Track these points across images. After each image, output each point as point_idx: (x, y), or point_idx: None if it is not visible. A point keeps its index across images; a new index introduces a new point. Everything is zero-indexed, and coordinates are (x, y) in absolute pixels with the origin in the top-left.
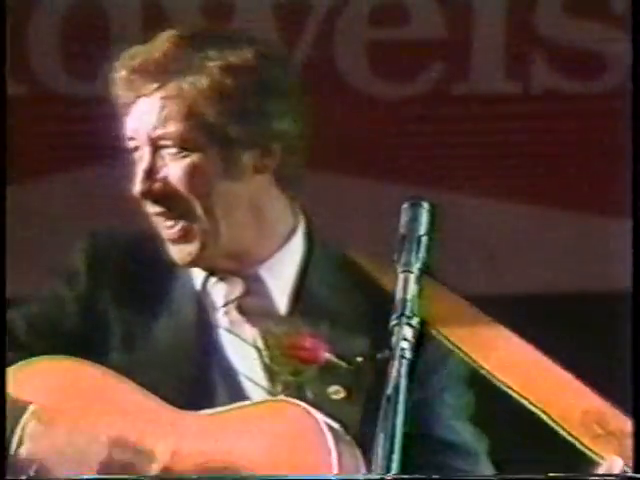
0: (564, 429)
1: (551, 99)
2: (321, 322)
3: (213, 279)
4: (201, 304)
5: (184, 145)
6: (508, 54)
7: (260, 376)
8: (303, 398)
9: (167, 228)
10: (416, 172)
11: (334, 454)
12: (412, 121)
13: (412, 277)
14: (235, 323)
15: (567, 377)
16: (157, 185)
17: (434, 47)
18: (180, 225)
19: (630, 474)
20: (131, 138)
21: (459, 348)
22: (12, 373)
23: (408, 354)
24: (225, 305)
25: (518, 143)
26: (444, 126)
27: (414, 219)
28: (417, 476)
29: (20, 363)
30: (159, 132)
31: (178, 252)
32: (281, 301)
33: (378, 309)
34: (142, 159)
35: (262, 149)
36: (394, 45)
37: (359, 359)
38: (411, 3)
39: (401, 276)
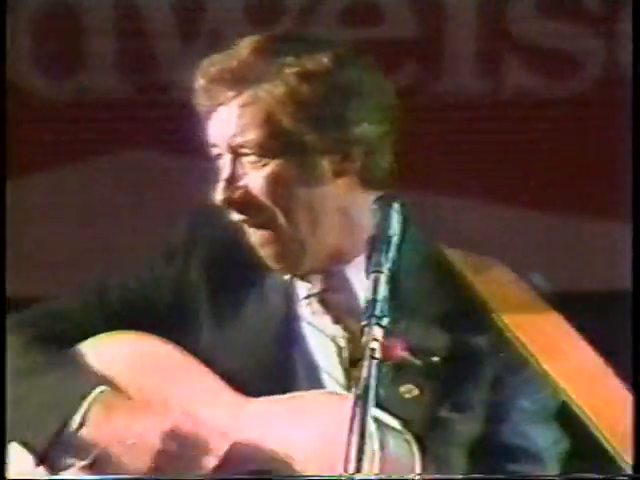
0: (609, 442)
1: (523, 98)
2: (401, 320)
3: (373, 276)
4: (289, 294)
5: (263, 153)
6: (480, 53)
7: (337, 370)
8: (375, 395)
9: (251, 234)
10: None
11: (376, 450)
12: None
13: (382, 277)
14: (317, 317)
15: (623, 391)
16: (238, 193)
17: (407, 46)
18: (263, 232)
19: (630, 474)
20: (213, 146)
21: (528, 350)
22: (93, 342)
23: (378, 354)
24: (307, 297)
25: (492, 143)
26: (419, 125)
27: (384, 219)
28: (384, 477)
29: (101, 335)
30: (238, 140)
31: (266, 257)
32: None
33: (461, 309)
34: (224, 167)
35: (342, 154)
36: (367, 44)
37: (435, 359)
38: (383, 2)
39: (371, 276)
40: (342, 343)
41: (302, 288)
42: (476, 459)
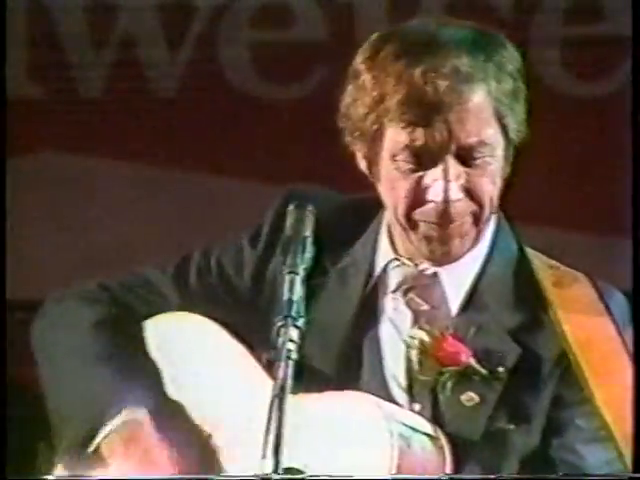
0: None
1: None
2: (474, 325)
3: (396, 262)
4: (374, 284)
5: (485, 152)
6: None
7: (402, 374)
8: (434, 400)
9: (434, 230)
10: (302, 174)
11: (394, 451)
12: (297, 123)
13: (298, 278)
14: (398, 314)
15: None
16: (456, 193)
17: (317, 49)
18: (451, 230)
19: (630, 474)
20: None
21: (582, 370)
22: (155, 321)
23: (294, 355)
24: (395, 291)
25: None
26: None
27: (299, 221)
28: (330, 476)
29: (160, 315)
30: (468, 141)
31: (427, 250)
32: (454, 302)
33: (535, 322)
34: (444, 168)
35: (513, 146)
36: (279, 46)
37: (501, 369)
38: (295, 4)
39: (287, 277)
40: (414, 346)
41: (393, 280)
42: (525, 471)
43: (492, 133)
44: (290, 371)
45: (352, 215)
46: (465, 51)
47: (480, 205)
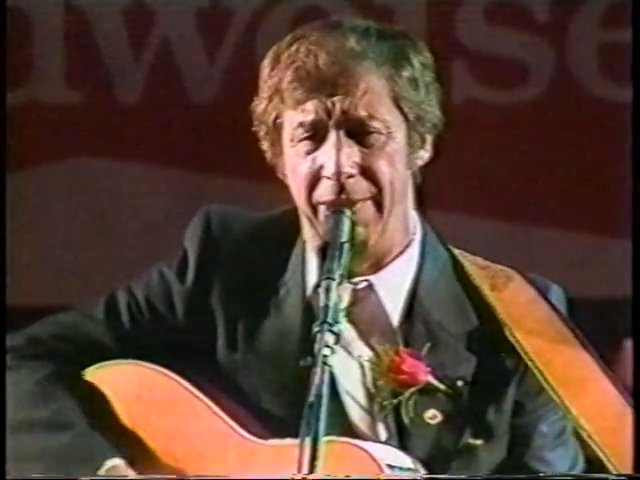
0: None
1: (472, 108)
2: (426, 340)
3: (325, 283)
4: (310, 308)
5: (378, 129)
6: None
7: (360, 393)
8: (399, 421)
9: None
10: None
11: None
12: None
13: (334, 284)
14: (343, 333)
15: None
16: (348, 167)
17: None
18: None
19: (630, 474)
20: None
21: (549, 383)
22: (99, 373)
23: (330, 361)
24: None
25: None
26: None
27: (336, 226)
28: (342, 477)
29: (107, 364)
30: (352, 113)
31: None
32: (394, 312)
33: (485, 328)
34: (334, 141)
35: (421, 138)
36: None
37: (460, 383)
38: (329, 6)
39: (323, 283)
40: (365, 363)
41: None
42: None
43: (385, 112)
44: (326, 377)
45: (277, 233)
46: (356, 33)
47: (379, 188)
